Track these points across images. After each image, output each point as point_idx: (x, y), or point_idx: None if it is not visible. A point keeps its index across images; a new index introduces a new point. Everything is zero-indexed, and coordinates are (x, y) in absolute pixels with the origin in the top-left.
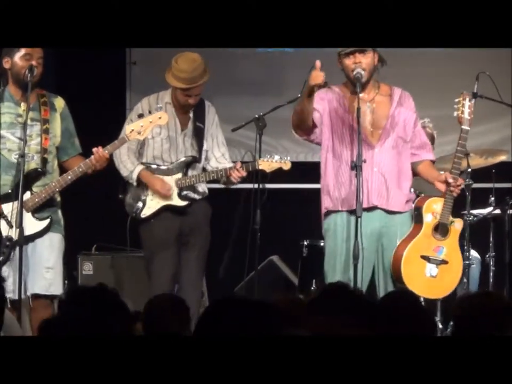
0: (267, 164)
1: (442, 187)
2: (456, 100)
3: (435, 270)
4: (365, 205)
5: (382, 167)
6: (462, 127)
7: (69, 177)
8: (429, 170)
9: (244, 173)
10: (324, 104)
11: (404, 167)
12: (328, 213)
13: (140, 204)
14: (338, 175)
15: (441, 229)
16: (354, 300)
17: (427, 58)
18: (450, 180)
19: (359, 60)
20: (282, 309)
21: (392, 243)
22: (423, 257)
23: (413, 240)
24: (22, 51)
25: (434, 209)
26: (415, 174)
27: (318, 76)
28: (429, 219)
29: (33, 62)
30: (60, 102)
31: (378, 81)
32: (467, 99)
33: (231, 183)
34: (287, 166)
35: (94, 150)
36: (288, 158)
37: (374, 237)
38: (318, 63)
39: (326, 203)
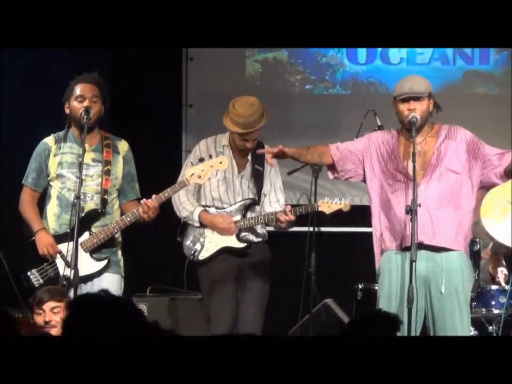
0: (326, 206)
1: None
2: None
3: None
4: (410, 243)
5: (428, 203)
6: None
7: (128, 219)
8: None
9: (292, 217)
10: (369, 146)
11: (457, 200)
12: (382, 253)
13: (198, 246)
14: (385, 218)
15: None
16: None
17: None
18: None
19: (413, 107)
20: None
21: (438, 288)
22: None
23: (499, 186)
24: (76, 93)
25: None
26: None
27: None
28: None
29: (87, 103)
30: (123, 145)
31: (433, 123)
32: None
33: (280, 228)
34: (346, 208)
35: (142, 201)
36: (348, 200)
37: (420, 281)
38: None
39: (379, 244)
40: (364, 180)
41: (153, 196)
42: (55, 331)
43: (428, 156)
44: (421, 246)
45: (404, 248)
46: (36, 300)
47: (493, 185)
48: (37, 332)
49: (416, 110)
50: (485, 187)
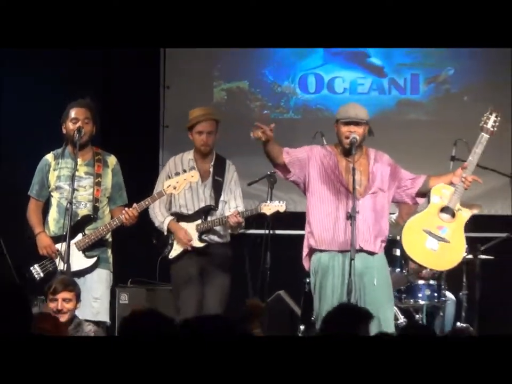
0: (267, 208)
1: (456, 180)
2: (485, 114)
3: (436, 244)
4: (349, 247)
5: (366, 216)
6: (482, 133)
7: (115, 222)
8: (439, 177)
9: (240, 219)
10: (312, 156)
11: (383, 214)
12: (313, 251)
13: (168, 247)
14: (324, 220)
15: (447, 212)
16: None
17: (412, 126)
18: (464, 174)
19: (354, 130)
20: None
21: (371, 281)
22: (425, 230)
23: (417, 214)
24: (71, 116)
25: (442, 193)
26: (426, 192)
27: (255, 132)
28: (436, 200)
29: (80, 124)
30: (112, 160)
31: (363, 146)
32: (493, 114)
33: (233, 228)
34: (282, 209)
35: (124, 211)
36: (285, 202)
37: (356, 277)
38: (255, 125)
39: (311, 242)
40: (304, 185)
41: (135, 204)
42: (65, 317)
43: (364, 175)
44: (360, 250)
45: (341, 250)
46: (50, 289)
47: (403, 202)
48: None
49: (356, 132)
50: (395, 202)
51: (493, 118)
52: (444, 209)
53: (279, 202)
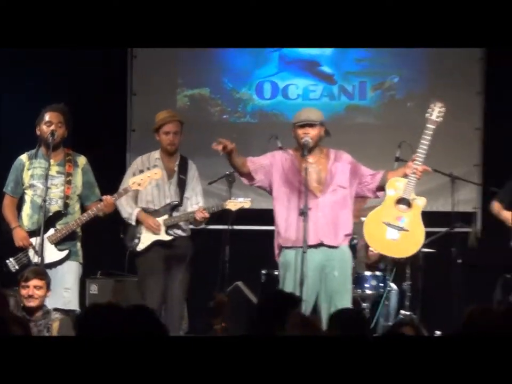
0: (232, 204)
1: (409, 171)
2: (430, 106)
3: (396, 234)
4: (313, 242)
5: (326, 212)
6: (427, 125)
7: (84, 217)
8: (395, 171)
9: (206, 214)
10: (274, 162)
11: (344, 210)
12: (281, 249)
13: (136, 240)
14: (288, 219)
15: (403, 203)
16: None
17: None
18: (414, 166)
19: (307, 131)
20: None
21: (332, 273)
22: (385, 222)
23: (376, 209)
24: (45, 119)
25: (396, 186)
26: (383, 186)
27: (217, 147)
28: (391, 193)
29: (53, 127)
30: (82, 160)
31: (322, 147)
32: (438, 105)
33: (198, 223)
34: (247, 205)
35: (103, 197)
36: (249, 198)
37: (318, 269)
38: (217, 141)
39: (279, 241)
40: (270, 189)
41: (108, 196)
42: (35, 302)
43: (323, 174)
44: (321, 244)
45: (299, 245)
46: (23, 278)
47: (365, 197)
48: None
49: (309, 134)
50: (358, 197)
51: (437, 109)
52: (400, 200)
53: (243, 199)
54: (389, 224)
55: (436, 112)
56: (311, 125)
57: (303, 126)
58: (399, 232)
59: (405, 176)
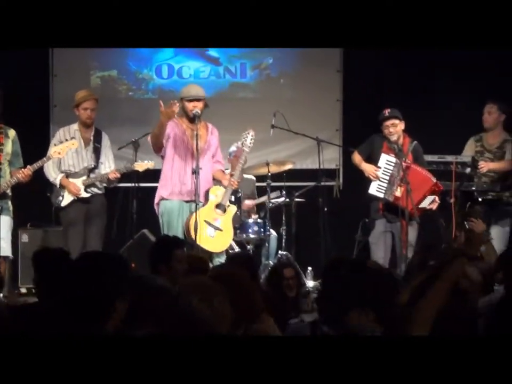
0: (140, 165)
1: (226, 182)
2: (243, 134)
3: (213, 232)
4: (191, 198)
5: (204, 172)
6: (243, 148)
7: (12, 181)
8: (220, 173)
9: (118, 175)
10: (170, 131)
11: (211, 171)
12: (161, 199)
13: (60, 198)
14: (175, 176)
15: (220, 208)
16: None
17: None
18: (232, 179)
19: (196, 105)
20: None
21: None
22: (205, 221)
23: (201, 208)
24: None
25: (217, 193)
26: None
27: (169, 114)
28: (212, 198)
29: None
30: (12, 132)
31: (201, 119)
32: (250, 133)
33: (111, 182)
34: (152, 166)
35: (21, 170)
36: (153, 161)
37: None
38: (161, 103)
39: (164, 193)
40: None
41: (28, 166)
42: None
43: (202, 141)
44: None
45: (187, 201)
46: None
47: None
48: None
49: (197, 107)
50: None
51: (250, 136)
52: (218, 206)
53: (148, 161)
54: (208, 223)
55: (248, 140)
56: (198, 99)
57: (192, 100)
58: (215, 231)
59: (225, 186)
